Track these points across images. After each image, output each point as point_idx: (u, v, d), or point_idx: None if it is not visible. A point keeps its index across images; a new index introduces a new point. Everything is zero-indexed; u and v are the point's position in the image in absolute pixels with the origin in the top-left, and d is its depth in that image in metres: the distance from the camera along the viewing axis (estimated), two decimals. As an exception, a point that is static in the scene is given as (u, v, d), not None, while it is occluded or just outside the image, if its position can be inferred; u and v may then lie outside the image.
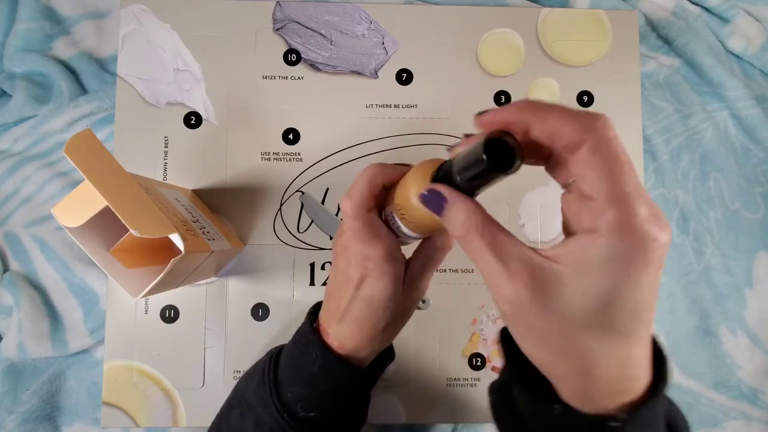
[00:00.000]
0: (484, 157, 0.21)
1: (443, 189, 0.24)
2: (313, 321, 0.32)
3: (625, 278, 0.19)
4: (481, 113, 0.22)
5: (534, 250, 0.22)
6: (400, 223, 0.28)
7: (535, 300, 0.20)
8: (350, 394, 0.32)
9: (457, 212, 0.24)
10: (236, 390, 0.35)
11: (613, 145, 0.21)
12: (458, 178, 0.24)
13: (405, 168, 0.29)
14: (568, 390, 0.23)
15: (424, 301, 0.47)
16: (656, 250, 0.19)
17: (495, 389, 0.32)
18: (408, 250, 0.31)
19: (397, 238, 0.29)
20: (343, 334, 0.30)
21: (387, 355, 0.35)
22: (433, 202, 0.24)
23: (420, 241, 0.31)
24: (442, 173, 0.25)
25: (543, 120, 0.21)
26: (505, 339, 0.27)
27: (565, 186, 0.23)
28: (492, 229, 0.23)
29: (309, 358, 0.31)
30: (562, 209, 0.24)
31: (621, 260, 0.19)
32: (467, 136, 0.24)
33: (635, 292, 0.20)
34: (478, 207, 0.24)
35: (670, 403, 0.26)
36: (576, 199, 0.22)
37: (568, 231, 0.23)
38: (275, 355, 0.33)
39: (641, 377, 0.22)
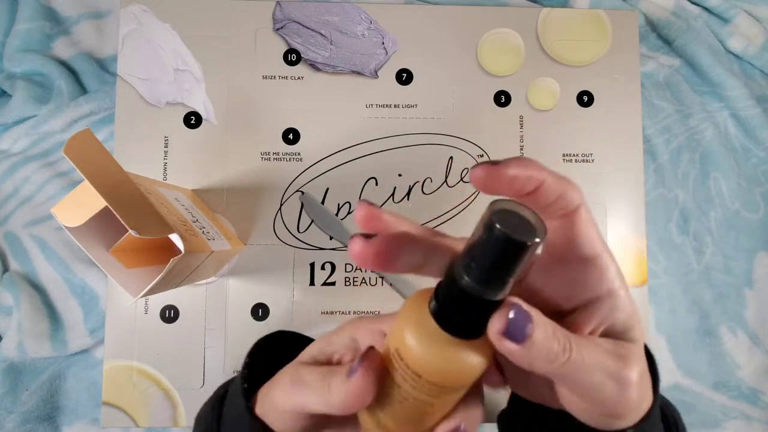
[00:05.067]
0: (498, 226, 0.15)
1: (520, 303, 0.18)
2: (247, 379, 0.27)
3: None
4: (476, 166, 0.18)
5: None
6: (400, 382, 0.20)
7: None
8: None
9: (545, 334, 0.18)
10: None
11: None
12: (472, 282, 0.17)
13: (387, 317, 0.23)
14: (588, 418, 0.22)
15: None
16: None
17: (504, 417, 0.31)
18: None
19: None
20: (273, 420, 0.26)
21: None
22: (514, 325, 0.17)
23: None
24: (446, 290, 0.18)
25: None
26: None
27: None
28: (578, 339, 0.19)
29: (239, 429, 0.27)
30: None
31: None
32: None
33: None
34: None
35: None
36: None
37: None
38: (220, 400, 0.29)
39: None
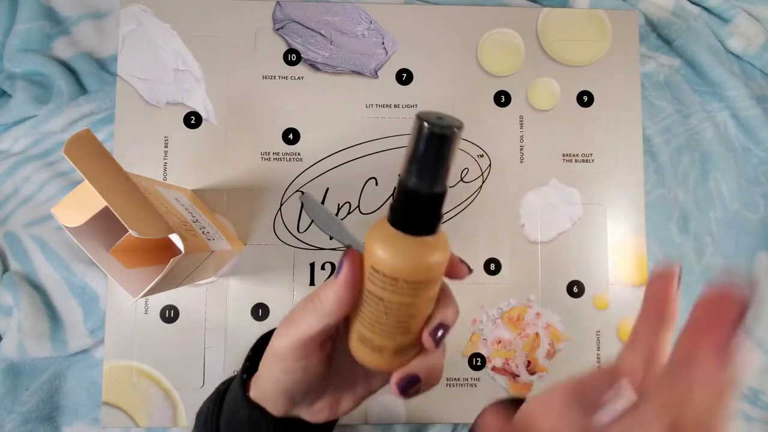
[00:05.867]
0: (425, 124, 0.19)
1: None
2: (245, 370, 0.30)
3: None
4: None
5: None
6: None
7: None
8: None
9: None
10: (194, 427, 0.33)
11: None
12: (414, 179, 0.20)
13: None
14: None
15: None
16: None
17: None
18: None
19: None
20: (264, 396, 0.28)
21: None
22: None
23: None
24: (397, 196, 0.21)
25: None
26: None
27: None
28: None
29: (238, 414, 0.29)
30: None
31: None
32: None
33: None
34: None
35: None
36: None
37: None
38: (221, 395, 0.31)
39: None
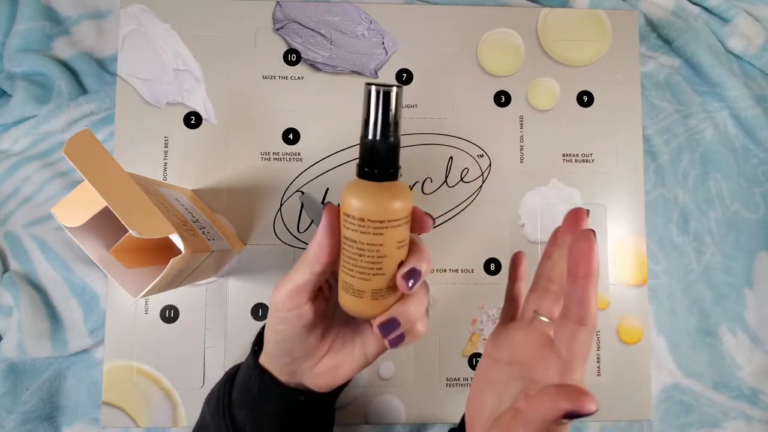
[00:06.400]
0: (373, 87, 0.24)
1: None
2: (256, 343, 0.33)
3: None
4: None
5: None
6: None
7: None
8: (298, 416, 0.32)
9: None
10: (201, 412, 0.35)
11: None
12: (370, 134, 0.25)
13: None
14: None
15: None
16: None
17: None
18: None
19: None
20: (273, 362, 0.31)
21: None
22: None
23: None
24: (360, 152, 0.26)
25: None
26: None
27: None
28: None
29: (249, 382, 0.32)
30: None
31: None
32: None
33: None
34: None
35: None
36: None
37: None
38: (231, 377, 0.34)
39: None
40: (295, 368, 0.31)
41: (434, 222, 0.28)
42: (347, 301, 0.28)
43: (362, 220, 0.25)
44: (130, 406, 0.44)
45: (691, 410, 0.48)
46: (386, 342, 0.28)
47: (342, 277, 0.27)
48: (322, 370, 0.31)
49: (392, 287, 0.27)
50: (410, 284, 0.26)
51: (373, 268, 0.26)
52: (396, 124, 0.25)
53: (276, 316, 0.29)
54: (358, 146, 0.26)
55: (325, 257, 0.27)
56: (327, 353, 0.31)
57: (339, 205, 0.27)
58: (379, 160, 0.25)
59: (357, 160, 0.26)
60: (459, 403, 0.46)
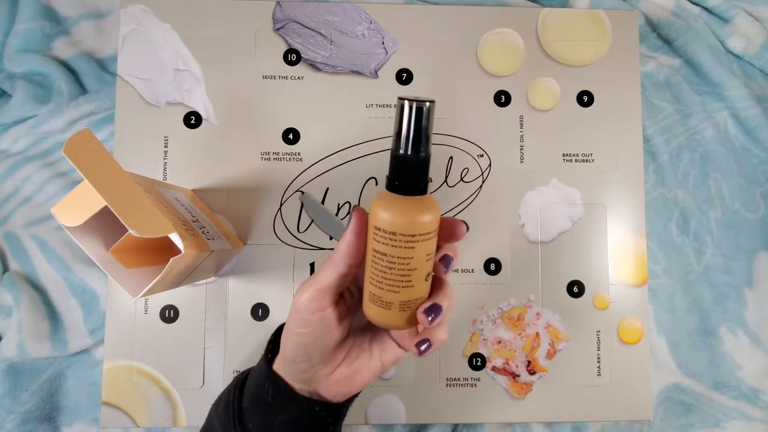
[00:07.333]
0: (406, 102, 0.24)
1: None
2: (270, 351, 0.33)
3: None
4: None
5: None
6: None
7: None
8: (311, 426, 0.31)
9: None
10: (207, 417, 0.35)
11: None
12: (402, 148, 0.25)
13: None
14: None
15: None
16: None
17: None
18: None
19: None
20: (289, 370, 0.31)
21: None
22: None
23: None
24: (390, 165, 0.26)
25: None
26: None
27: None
28: None
29: (262, 389, 0.31)
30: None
31: None
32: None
33: None
34: None
35: None
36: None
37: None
38: (240, 382, 0.33)
39: None
40: (312, 375, 0.30)
41: (468, 228, 0.28)
42: (375, 313, 0.28)
43: (393, 233, 0.25)
44: (130, 406, 0.44)
45: (692, 410, 0.48)
46: (416, 350, 0.29)
47: (369, 288, 0.27)
48: (338, 377, 0.31)
49: (419, 298, 0.27)
50: (430, 319, 0.27)
51: (402, 281, 0.26)
52: (428, 138, 0.25)
53: (298, 319, 0.29)
54: (389, 159, 0.26)
55: (352, 258, 0.27)
56: (344, 361, 0.31)
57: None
58: (410, 174, 0.25)
59: (387, 173, 0.26)
60: (459, 403, 0.46)
